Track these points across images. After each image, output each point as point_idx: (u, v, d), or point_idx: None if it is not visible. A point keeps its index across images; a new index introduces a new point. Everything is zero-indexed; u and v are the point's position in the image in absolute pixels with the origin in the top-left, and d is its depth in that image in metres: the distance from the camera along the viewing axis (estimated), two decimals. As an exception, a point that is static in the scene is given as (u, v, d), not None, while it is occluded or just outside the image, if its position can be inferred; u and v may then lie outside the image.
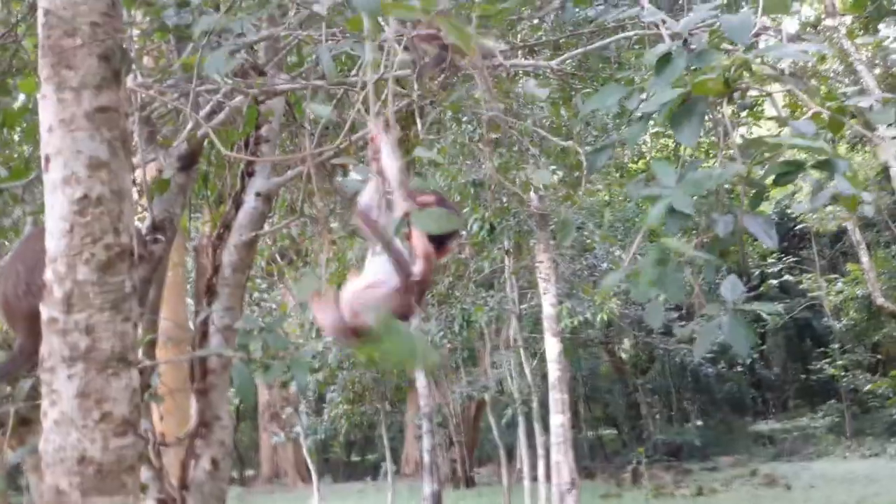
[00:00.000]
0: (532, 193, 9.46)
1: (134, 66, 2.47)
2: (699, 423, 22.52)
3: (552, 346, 9.76)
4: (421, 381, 13.55)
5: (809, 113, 1.81)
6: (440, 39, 1.94)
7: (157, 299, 3.00)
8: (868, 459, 16.84)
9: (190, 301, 7.47)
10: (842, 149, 13.87)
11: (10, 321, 2.10)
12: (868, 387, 18.38)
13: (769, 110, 12.26)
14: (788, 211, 19.18)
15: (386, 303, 1.75)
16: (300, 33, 2.72)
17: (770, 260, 20.03)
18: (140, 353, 2.05)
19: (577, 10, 3.56)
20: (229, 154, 2.71)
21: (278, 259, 10.13)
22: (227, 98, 2.62)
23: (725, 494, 14.58)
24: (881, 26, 13.70)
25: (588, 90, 5.55)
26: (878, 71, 13.61)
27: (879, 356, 21.49)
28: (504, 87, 4.71)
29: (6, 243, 3.10)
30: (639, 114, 1.83)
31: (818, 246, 20.47)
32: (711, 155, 11.14)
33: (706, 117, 2.05)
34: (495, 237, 9.81)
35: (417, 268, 1.78)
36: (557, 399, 9.54)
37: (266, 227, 3.39)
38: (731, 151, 1.79)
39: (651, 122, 1.90)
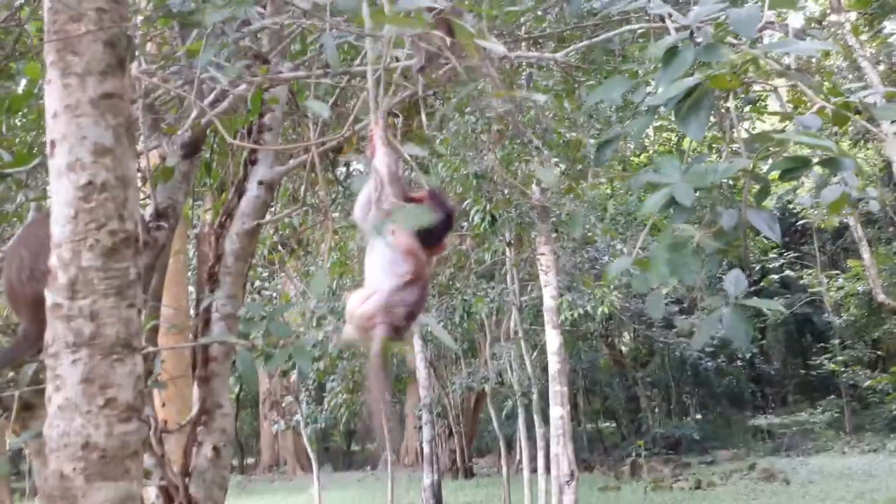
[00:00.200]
0: (534, 186, 9.46)
1: (137, 53, 2.47)
2: (698, 416, 22.58)
3: (552, 339, 9.77)
4: (421, 371, 13.58)
5: (814, 108, 1.80)
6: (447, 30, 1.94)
7: (160, 286, 3.00)
8: (867, 455, 16.88)
9: (191, 289, 7.48)
10: (844, 145, 13.86)
11: (14, 307, 2.11)
12: (868, 383, 18.43)
13: (772, 105, 12.24)
14: (790, 206, 19.16)
15: (386, 312, 1.74)
16: (304, 22, 2.72)
17: (771, 255, 20.04)
18: (143, 339, 2.05)
19: (583, 1, 3.55)
20: (234, 142, 2.71)
21: (280, 248, 10.13)
22: (231, 86, 2.61)
23: (724, 488, 14.62)
24: (886, 23, 13.67)
25: (591, 83, 5.55)
26: (882, 67, 13.57)
27: (879, 352, 21.53)
28: (508, 79, 4.70)
29: (8, 228, 3.10)
30: (645, 107, 1.83)
31: (819, 241, 20.46)
32: (715, 149, 11.13)
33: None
34: (496, 229, 9.81)
35: (406, 267, 1.78)
36: (557, 391, 9.55)
37: (268, 217, 3.39)
38: (736, 146, 1.79)
39: (655, 116, 1.90)
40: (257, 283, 11.49)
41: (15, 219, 3.02)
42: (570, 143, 8.17)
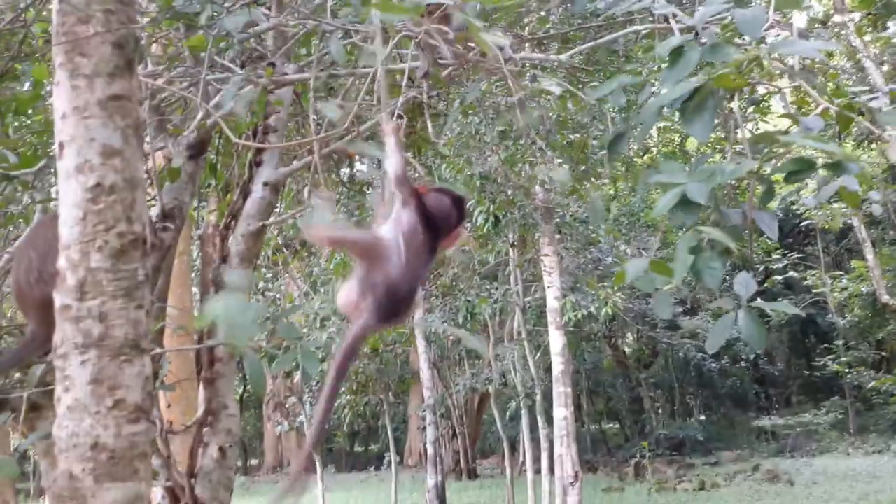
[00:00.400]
0: (537, 186, 9.46)
1: (143, 54, 2.48)
2: (702, 417, 22.55)
3: (556, 340, 9.77)
4: (425, 372, 13.59)
5: (818, 109, 1.81)
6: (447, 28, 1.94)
7: (165, 288, 3.01)
8: (871, 456, 16.84)
9: (195, 290, 7.48)
10: (847, 146, 13.84)
11: (22, 308, 2.12)
12: (872, 384, 18.39)
13: (776, 106, 12.24)
14: (794, 207, 19.14)
15: (365, 295, 1.70)
16: (309, 22, 2.72)
17: (775, 256, 20.02)
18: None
19: (587, 1, 3.56)
20: (239, 142, 2.72)
21: (283, 249, 10.14)
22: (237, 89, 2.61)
23: (728, 489, 14.60)
24: (890, 23, 13.65)
25: (595, 84, 5.55)
26: (885, 68, 13.56)
27: (884, 353, 21.50)
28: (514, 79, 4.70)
29: (13, 230, 3.11)
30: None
31: (823, 242, 20.44)
32: (718, 150, 11.12)
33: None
34: (500, 230, 9.82)
35: (397, 253, 1.73)
36: (560, 392, 9.54)
37: (272, 218, 3.39)
38: (740, 147, 1.79)
39: (660, 115, 1.90)
40: (261, 284, 11.51)
41: (21, 220, 3.03)
42: (574, 144, 8.18)
